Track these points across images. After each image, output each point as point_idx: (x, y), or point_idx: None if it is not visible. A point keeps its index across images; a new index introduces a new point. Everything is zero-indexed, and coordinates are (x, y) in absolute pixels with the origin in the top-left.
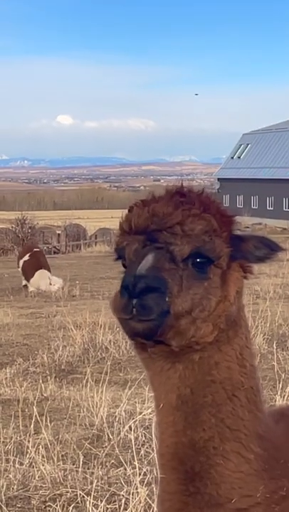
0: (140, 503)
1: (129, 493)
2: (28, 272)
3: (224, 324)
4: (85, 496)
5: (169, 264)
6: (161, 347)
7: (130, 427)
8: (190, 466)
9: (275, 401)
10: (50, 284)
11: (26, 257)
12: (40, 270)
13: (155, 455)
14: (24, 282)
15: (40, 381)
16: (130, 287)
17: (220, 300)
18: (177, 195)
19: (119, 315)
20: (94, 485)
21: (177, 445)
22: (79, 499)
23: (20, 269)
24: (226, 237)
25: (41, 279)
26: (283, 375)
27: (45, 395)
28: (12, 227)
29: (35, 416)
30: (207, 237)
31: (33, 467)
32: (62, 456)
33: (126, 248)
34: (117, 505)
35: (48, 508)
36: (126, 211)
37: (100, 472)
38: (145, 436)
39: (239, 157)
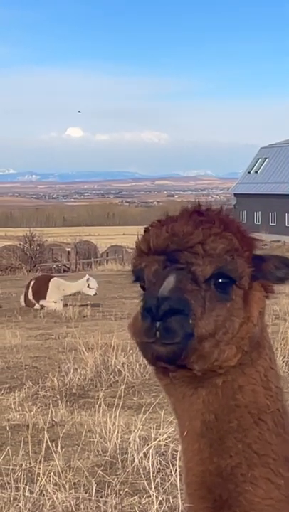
0: None
1: None
2: (41, 289)
3: (248, 346)
4: None
5: (191, 285)
6: (183, 372)
7: (145, 454)
8: (218, 494)
9: None
10: (89, 286)
11: (32, 283)
12: (52, 279)
13: (172, 482)
14: (40, 303)
15: (51, 405)
16: (153, 309)
17: (243, 321)
18: (195, 214)
19: (141, 339)
20: None
21: (204, 473)
22: None
23: (31, 298)
24: (247, 257)
25: (60, 286)
26: None
27: (55, 420)
28: (20, 244)
29: (46, 442)
30: (229, 256)
31: (43, 496)
32: (74, 484)
33: (145, 269)
34: None
35: None
36: (142, 231)
37: (114, 501)
38: (161, 463)
39: (256, 172)
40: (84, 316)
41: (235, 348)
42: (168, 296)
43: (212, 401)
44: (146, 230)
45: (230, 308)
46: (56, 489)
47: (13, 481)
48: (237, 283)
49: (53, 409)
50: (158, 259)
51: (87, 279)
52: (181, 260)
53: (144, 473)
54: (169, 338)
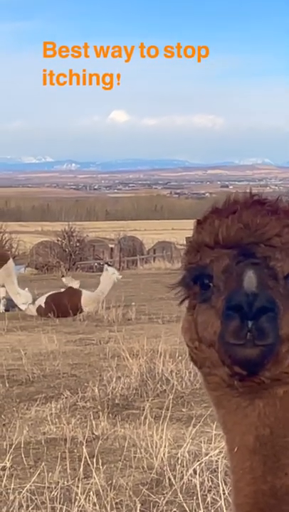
0: None
1: None
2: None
3: None
4: None
5: (271, 281)
6: (250, 379)
7: (195, 471)
8: None
9: None
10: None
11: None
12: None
13: (223, 502)
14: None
15: (91, 417)
16: (245, 307)
17: None
18: (257, 203)
19: (230, 340)
20: None
21: (257, 494)
22: None
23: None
24: None
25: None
26: None
27: (96, 433)
28: (58, 240)
29: (85, 458)
30: None
31: None
32: (116, 503)
33: (212, 265)
34: None
35: None
36: (196, 223)
37: None
38: (212, 481)
39: None
40: (128, 319)
41: None
42: (257, 293)
43: (269, 413)
44: (203, 222)
45: None
46: (96, 510)
47: (49, 500)
48: None
49: (94, 422)
50: (228, 253)
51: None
52: (257, 254)
53: (193, 492)
54: (262, 338)
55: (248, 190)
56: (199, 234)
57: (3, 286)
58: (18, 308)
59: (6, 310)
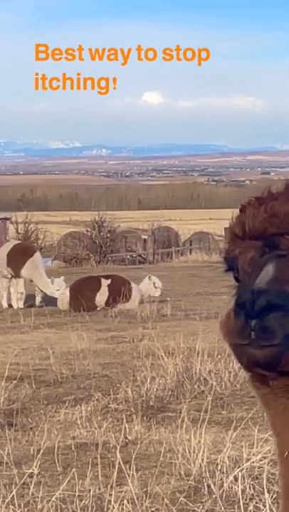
0: None
1: None
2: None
3: None
4: None
5: None
6: (286, 380)
7: (235, 477)
8: None
9: None
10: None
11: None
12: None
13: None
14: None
15: (124, 421)
16: (248, 305)
17: None
18: None
19: (234, 340)
20: None
21: None
22: None
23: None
24: None
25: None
26: None
27: (129, 437)
28: (87, 231)
29: (118, 464)
30: None
31: None
32: None
33: (239, 257)
34: None
35: None
36: (237, 212)
37: None
38: (254, 489)
39: None
40: (163, 316)
41: None
42: (266, 289)
43: None
44: (241, 210)
45: None
46: None
47: (80, 509)
48: None
49: (127, 426)
50: (254, 244)
51: (149, 277)
52: (282, 246)
53: (234, 501)
54: (266, 339)
55: None
56: (233, 224)
57: (31, 280)
58: (51, 300)
59: (31, 306)
